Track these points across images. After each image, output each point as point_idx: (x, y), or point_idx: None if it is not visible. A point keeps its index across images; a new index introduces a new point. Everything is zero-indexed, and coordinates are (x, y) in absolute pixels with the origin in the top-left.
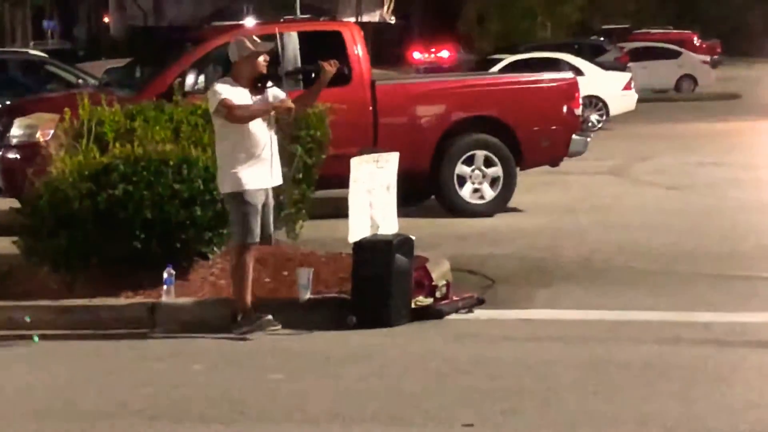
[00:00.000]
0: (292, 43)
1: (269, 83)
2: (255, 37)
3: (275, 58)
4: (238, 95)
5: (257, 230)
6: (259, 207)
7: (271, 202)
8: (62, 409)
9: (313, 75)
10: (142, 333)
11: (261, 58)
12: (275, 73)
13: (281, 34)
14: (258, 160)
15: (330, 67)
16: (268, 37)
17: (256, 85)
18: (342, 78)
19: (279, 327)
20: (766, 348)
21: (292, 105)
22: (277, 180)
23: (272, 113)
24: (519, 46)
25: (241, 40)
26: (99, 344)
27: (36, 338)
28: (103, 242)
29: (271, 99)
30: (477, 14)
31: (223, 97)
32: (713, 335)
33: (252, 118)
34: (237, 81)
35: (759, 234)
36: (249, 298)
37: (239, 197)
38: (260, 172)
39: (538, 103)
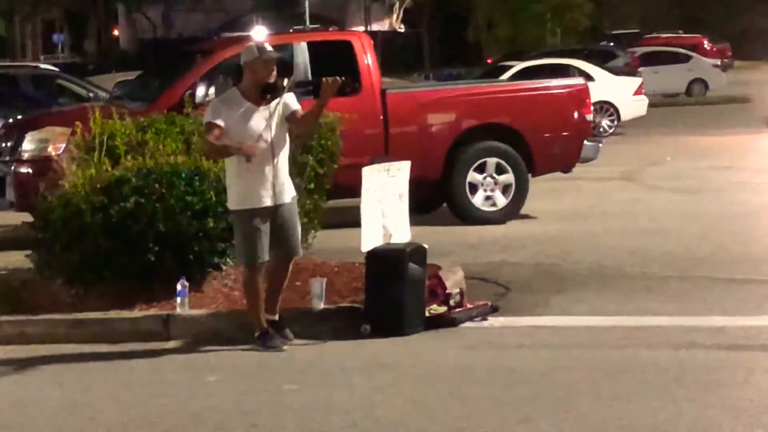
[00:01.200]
0: (302, 56)
1: (277, 94)
2: (267, 45)
3: (285, 69)
4: (236, 113)
5: (261, 250)
6: (262, 226)
7: (291, 218)
8: (77, 422)
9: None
10: (156, 345)
11: (267, 68)
12: (282, 85)
13: (292, 47)
14: (255, 179)
15: (329, 84)
16: (281, 49)
17: (265, 96)
18: (352, 87)
19: (293, 339)
20: None
21: (255, 152)
22: (284, 198)
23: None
24: (529, 53)
25: (250, 46)
26: (113, 357)
27: None
28: (116, 255)
29: (281, 107)
30: (486, 21)
31: (209, 120)
32: (728, 340)
33: (216, 157)
34: (245, 90)
35: None
36: (262, 317)
37: (240, 216)
38: (259, 190)
39: (549, 110)
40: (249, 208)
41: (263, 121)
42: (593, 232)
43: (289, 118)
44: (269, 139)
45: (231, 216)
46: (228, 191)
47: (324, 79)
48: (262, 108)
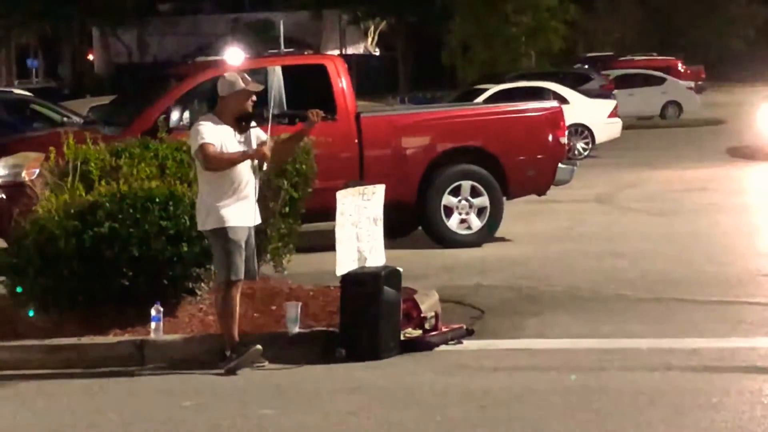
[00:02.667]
0: (277, 80)
1: (253, 123)
2: (246, 75)
3: (261, 98)
4: (221, 135)
5: (242, 266)
6: (242, 243)
7: (253, 240)
8: None
9: (296, 120)
10: (131, 370)
11: (249, 99)
12: (261, 113)
13: (267, 71)
14: (240, 197)
15: (315, 118)
16: (255, 72)
17: (240, 124)
18: (327, 111)
19: (265, 363)
20: (755, 373)
21: (268, 154)
22: (258, 219)
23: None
24: (504, 76)
25: (233, 77)
26: (88, 382)
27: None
28: (90, 280)
29: (253, 139)
30: (461, 44)
31: (203, 141)
32: (702, 361)
33: (229, 166)
34: (221, 117)
35: (746, 259)
36: (236, 334)
37: (222, 234)
38: (243, 209)
39: (524, 133)
40: (234, 225)
41: (244, 147)
42: (568, 254)
43: (261, 145)
44: (255, 164)
45: (210, 236)
46: (203, 213)
47: (309, 112)
48: (240, 135)
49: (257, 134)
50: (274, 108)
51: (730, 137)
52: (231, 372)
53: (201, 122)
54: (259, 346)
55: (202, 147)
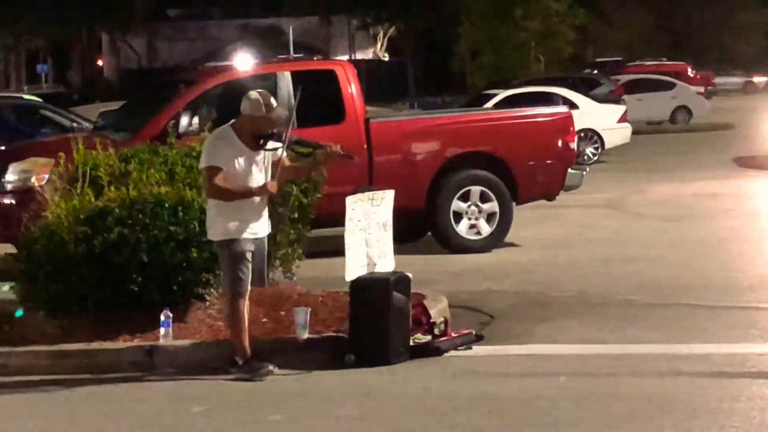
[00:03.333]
0: (286, 83)
1: (270, 144)
2: (272, 100)
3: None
4: (233, 154)
5: (247, 278)
6: (248, 254)
7: (264, 251)
8: None
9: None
10: (140, 376)
11: (271, 126)
12: (279, 134)
13: (276, 76)
14: (248, 209)
15: (330, 153)
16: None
17: (258, 143)
18: (336, 116)
19: (275, 369)
20: (765, 379)
21: (274, 191)
22: (268, 229)
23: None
24: (513, 81)
25: (257, 100)
26: (97, 388)
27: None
28: (99, 286)
29: (269, 156)
30: (470, 49)
31: (210, 164)
32: (712, 367)
33: (229, 199)
34: (238, 131)
35: (756, 264)
36: (247, 344)
37: (229, 245)
38: (251, 221)
39: (533, 138)
40: (240, 238)
41: (259, 165)
42: (578, 260)
43: (275, 164)
44: (264, 179)
45: (217, 247)
46: (210, 222)
47: (327, 146)
48: (255, 153)
49: (273, 153)
50: (291, 128)
51: (739, 142)
52: (241, 378)
53: (217, 138)
54: (272, 368)
55: (208, 170)
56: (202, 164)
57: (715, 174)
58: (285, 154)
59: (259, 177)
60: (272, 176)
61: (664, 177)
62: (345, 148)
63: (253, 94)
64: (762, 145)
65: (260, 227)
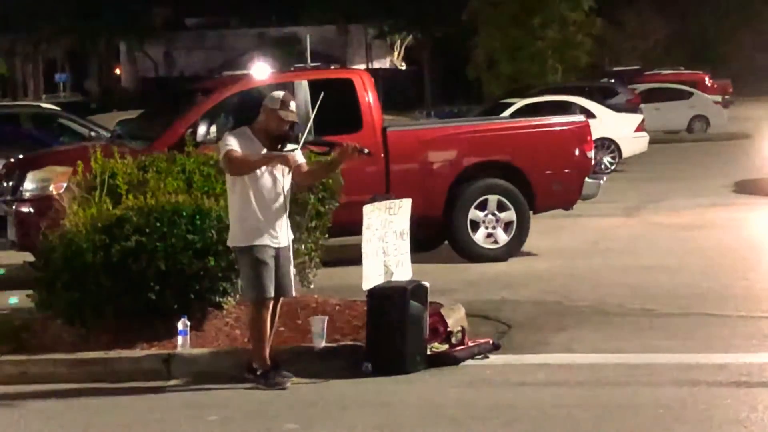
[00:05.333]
0: (303, 92)
1: (289, 146)
2: (292, 103)
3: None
4: (249, 148)
5: (269, 285)
6: (270, 262)
7: (289, 260)
8: None
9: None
10: (157, 384)
11: (282, 122)
12: (296, 135)
13: (294, 85)
14: (268, 215)
15: (347, 151)
16: (282, 87)
17: (275, 144)
18: (353, 125)
19: (292, 377)
20: None
21: (293, 161)
22: (291, 236)
23: (286, 170)
24: (530, 90)
25: (275, 96)
26: (115, 396)
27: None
28: (117, 294)
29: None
30: (487, 58)
31: (228, 148)
32: (729, 377)
33: (251, 169)
34: (255, 131)
35: None
36: (267, 355)
37: (248, 252)
38: (270, 227)
39: (551, 147)
40: (262, 244)
41: (276, 167)
42: (595, 269)
43: (294, 170)
44: (283, 183)
45: (237, 253)
46: (235, 228)
47: (345, 144)
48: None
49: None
50: (306, 134)
51: (757, 152)
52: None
53: (232, 133)
54: (288, 384)
55: (226, 153)
56: (221, 154)
57: (732, 183)
58: (303, 159)
59: (270, 176)
60: (290, 182)
61: (681, 186)
62: (359, 145)
63: (278, 91)
64: None
65: (281, 234)
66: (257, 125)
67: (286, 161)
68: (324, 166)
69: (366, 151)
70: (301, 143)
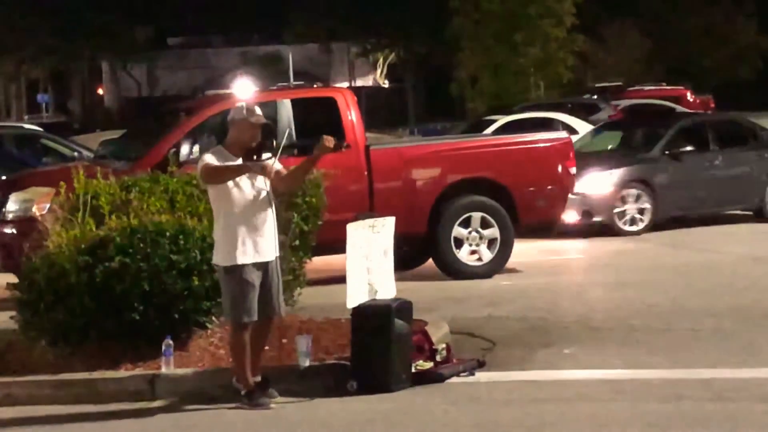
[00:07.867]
0: (286, 110)
1: (265, 155)
2: (256, 109)
3: (270, 131)
4: (226, 162)
5: (252, 308)
6: (255, 282)
7: (276, 277)
8: None
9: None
10: (142, 405)
11: (252, 130)
12: (271, 144)
13: (276, 104)
14: (252, 230)
15: (329, 144)
16: (265, 105)
17: (250, 157)
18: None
19: (277, 396)
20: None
21: (271, 168)
22: (277, 251)
23: (268, 182)
24: (513, 107)
25: (240, 107)
26: (99, 418)
27: None
28: (101, 315)
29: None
30: (469, 75)
31: (204, 163)
32: (715, 392)
33: (228, 176)
34: (229, 148)
35: (758, 289)
36: (249, 375)
37: (231, 272)
38: (255, 243)
39: (534, 164)
40: (246, 263)
41: (252, 177)
42: (579, 285)
43: (274, 177)
44: (268, 196)
45: (220, 272)
46: (219, 245)
47: (324, 137)
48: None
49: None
50: (284, 139)
51: None
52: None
53: (208, 153)
54: (273, 405)
55: (204, 166)
56: (199, 172)
57: None
58: (280, 166)
59: (252, 190)
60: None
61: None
62: (334, 140)
63: (239, 103)
64: None
65: (267, 248)
66: (229, 141)
67: (263, 170)
68: (302, 164)
69: (345, 144)
70: (279, 152)
